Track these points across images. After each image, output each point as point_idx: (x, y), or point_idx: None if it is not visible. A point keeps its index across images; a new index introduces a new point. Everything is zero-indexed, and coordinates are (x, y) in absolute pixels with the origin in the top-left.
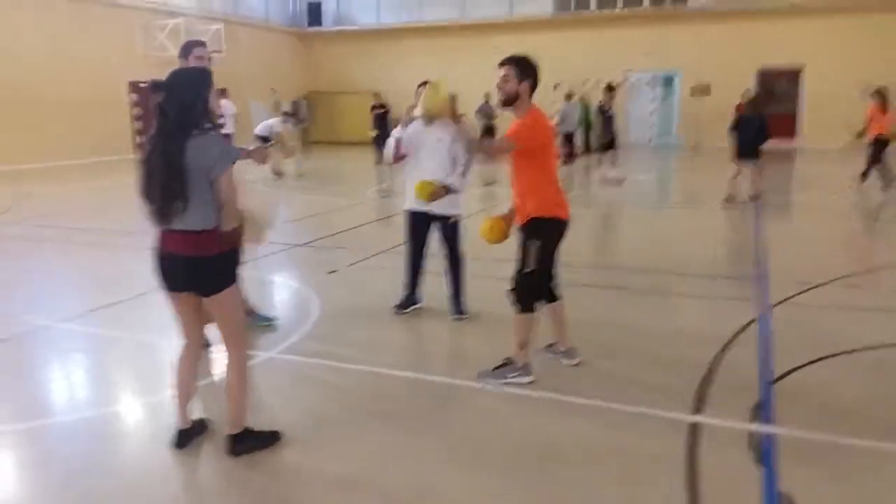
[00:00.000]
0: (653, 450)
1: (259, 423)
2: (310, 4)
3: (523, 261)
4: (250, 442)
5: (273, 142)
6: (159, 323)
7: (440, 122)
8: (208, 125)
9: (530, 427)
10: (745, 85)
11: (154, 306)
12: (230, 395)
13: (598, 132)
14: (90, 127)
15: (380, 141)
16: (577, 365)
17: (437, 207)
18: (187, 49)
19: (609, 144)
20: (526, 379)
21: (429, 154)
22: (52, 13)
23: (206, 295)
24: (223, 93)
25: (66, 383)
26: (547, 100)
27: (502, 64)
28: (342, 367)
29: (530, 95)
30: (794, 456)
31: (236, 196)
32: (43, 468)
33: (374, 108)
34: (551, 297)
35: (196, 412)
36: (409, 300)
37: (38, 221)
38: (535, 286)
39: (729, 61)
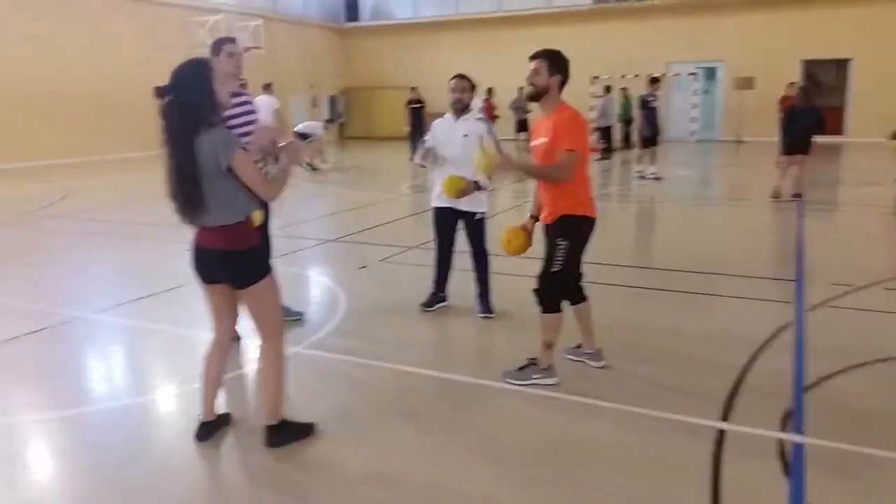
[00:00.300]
0: (677, 456)
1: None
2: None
3: (550, 259)
4: (286, 433)
5: (311, 139)
6: (192, 315)
7: (470, 119)
8: (215, 119)
9: (552, 428)
10: (789, 77)
11: (187, 299)
12: (266, 386)
13: (639, 126)
14: (130, 122)
15: (415, 137)
16: (602, 367)
17: (463, 204)
18: (218, 46)
19: (651, 140)
20: (550, 380)
21: (456, 150)
22: (92, 11)
23: (241, 287)
24: (267, 87)
25: (100, 374)
26: (585, 93)
27: (533, 57)
28: (368, 364)
29: (560, 90)
30: (825, 467)
31: (259, 175)
32: (76, 456)
33: (409, 102)
34: (578, 298)
35: (221, 406)
36: (436, 298)
37: (78, 215)
38: (561, 286)
39: (773, 52)
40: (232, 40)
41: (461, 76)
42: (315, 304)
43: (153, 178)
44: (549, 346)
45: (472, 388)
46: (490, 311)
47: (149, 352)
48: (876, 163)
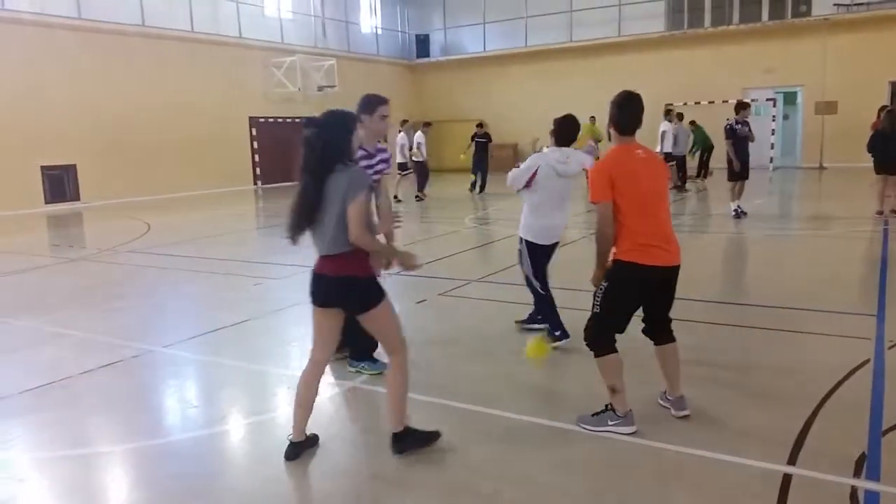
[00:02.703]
0: (739, 503)
1: (337, 452)
2: (418, 37)
3: (593, 301)
4: (411, 440)
5: (410, 171)
6: (256, 350)
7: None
8: (349, 162)
9: (603, 471)
10: (874, 100)
11: (252, 333)
12: (392, 396)
13: (729, 157)
14: (215, 160)
15: (477, 170)
16: (683, 417)
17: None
18: (372, 106)
19: (741, 173)
20: (626, 429)
21: (561, 196)
22: (176, 55)
23: (358, 313)
24: (403, 124)
25: (168, 406)
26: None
27: None
28: (422, 400)
29: (617, 132)
30: None
31: (361, 221)
32: (146, 486)
33: (475, 136)
34: (660, 339)
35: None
36: (564, 335)
37: (156, 250)
38: (600, 329)
39: (856, 75)
40: (385, 101)
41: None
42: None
43: (228, 214)
44: (612, 390)
45: (531, 428)
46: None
47: (213, 385)
48: None
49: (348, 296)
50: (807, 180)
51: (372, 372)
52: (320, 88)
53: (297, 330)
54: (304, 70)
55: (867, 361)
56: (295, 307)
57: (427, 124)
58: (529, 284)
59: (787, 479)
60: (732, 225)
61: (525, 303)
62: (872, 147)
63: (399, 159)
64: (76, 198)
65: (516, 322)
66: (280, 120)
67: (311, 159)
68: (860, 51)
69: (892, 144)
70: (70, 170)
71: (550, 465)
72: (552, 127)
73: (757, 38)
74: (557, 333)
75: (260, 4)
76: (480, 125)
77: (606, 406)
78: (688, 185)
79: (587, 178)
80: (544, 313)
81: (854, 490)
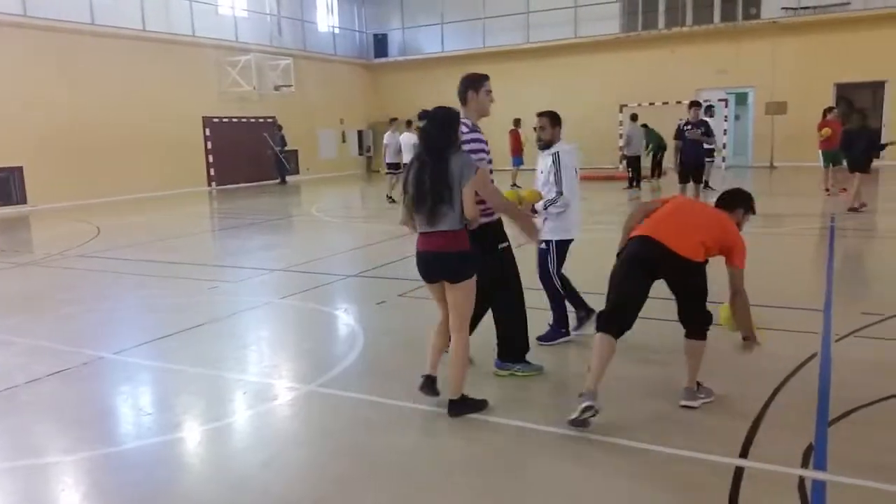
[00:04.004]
0: (694, 495)
1: (297, 456)
2: (376, 36)
3: None
4: (464, 406)
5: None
6: (211, 355)
7: (545, 155)
8: (458, 147)
9: (547, 468)
10: (821, 102)
11: (208, 338)
12: (453, 366)
13: (682, 156)
14: (167, 161)
15: (399, 169)
16: (692, 408)
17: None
18: (478, 83)
19: (685, 175)
20: (581, 403)
21: (538, 183)
22: (127, 54)
23: (453, 282)
24: (409, 125)
25: (117, 414)
26: (613, 121)
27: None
28: (381, 402)
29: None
30: None
31: (492, 186)
32: (98, 497)
33: None
34: (689, 332)
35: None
36: (557, 333)
37: (106, 254)
38: (604, 310)
39: (805, 77)
40: (488, 77)
41: (541, 113)
42: (331, 340)
43: (181, 216)
44: (588, 369)
45: (484, 426)
46: (556, 338)
47: (166, 392)
48: None
49: (451, 268)
50: (758, 179)
51: (527, 373)
52: (277, 88)
53: (254, 334)
54: (259, 69)
55: (815, 355)
56: (251, 311)
57: (409, 123)
58: (550, 289)
59: (738, 471)
60: None
61: None
62: (843, 146)
63: (388, 159)
64: (23, 201)
65: (538, 339)
66: (235, 120)
67: (433, 146)
68: (807, 53)
69: (858, 143)
70: (16, 172)
71: (512, 464)
72: (548, 120)
73: (709, 39)
74: (584, 314)
75: (213, 2)
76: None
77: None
78: (642, 185)
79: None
80: (572, 303)
81: (802, 480)
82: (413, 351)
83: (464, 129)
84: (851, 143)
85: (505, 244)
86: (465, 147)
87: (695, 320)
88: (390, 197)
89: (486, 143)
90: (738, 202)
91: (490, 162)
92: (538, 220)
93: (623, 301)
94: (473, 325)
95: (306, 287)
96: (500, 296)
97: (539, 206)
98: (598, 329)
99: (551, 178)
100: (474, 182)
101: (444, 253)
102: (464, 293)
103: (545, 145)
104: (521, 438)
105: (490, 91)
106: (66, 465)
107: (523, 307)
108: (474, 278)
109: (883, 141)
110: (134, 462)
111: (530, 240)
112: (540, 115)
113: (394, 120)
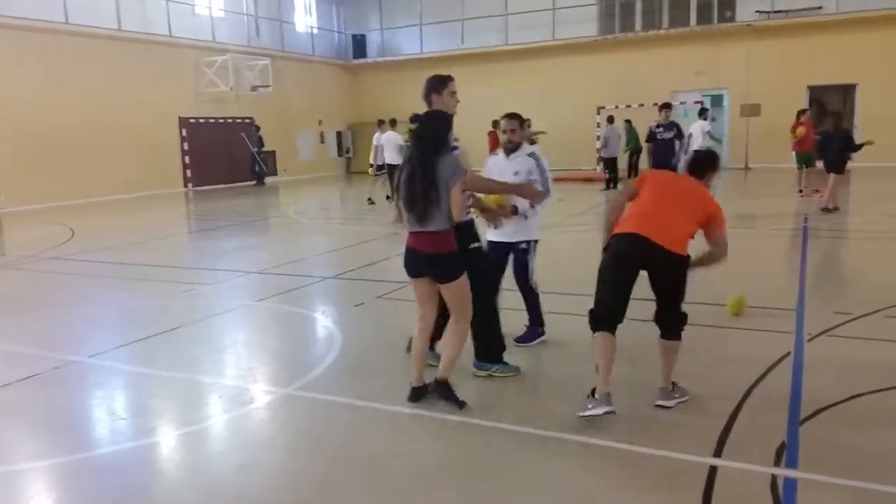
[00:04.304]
0: (667, 496)
1: (274, 460)
2: (354, 37)
3: None
4: (447, 391)
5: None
6: (186, 358)
7: (521, 156)
8: (450, 149)
9: (537, 467)
10: (794, 104)
11: (183, 341)
12: (447, 350)
13: (653, 160)
14: (143, 162)
15: (384, 171)
16: (667, 407)
17: (508, 235)
18: (441, 84)
19: None
20: (600, 410)
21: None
22: (102, 53)
23: (443, 283)
24: (393, 125)
25: (91, 419)
26: (591, 123)
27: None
28: (359, 405)
29: None
30: (818, 503)
31: (461, 201)
32: (76, 501)
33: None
34: (664, 332)
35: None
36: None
37: (81, 257)
38: (596, 308)
39: (778, 79)
40: (452, 79)
41: (510, 115)
42: (309, 342)
43: (157, 218)
44: (598, 370)
45: (474, 429)
46: (533, 338)
47: (141, 396)
48: (884, 186)
49: (439, 268)
50: (733, 180)
51: (505, 374)
52: (254, 88)
53: (230, 337)
54: (236, 69)
55: (788, 354)
56: (227, 313)
57: (394, 123)
58: (529, 289)
59: (713, 470)
60: None
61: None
62: (819, 148)
63: (380, 161)
64: None
65: (515, 341)
66: (212, 120)
67: (424, 149)
68: (781, 56)
69: (833, 144)
70: None
71: (490, 465)
72: (518, 123)
73: (685, 42)
74: (542, 328)
75: (190, 2)
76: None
77: (592, 389)
78: (619, 186)
79: None
80: (537, 311)
81: (774, 478)
82: (391, 353)
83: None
84: (827, 145)
85: (476, 245)
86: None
87: (672, 320)
88: (371, 199)
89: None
90: (706, 167)
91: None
92: (510, 222)
93: (614, 298)
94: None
95: (283, 289)
96: (482, 298)
97: (524, 207)
98: (596, 328)
99: (536, 179)
100: (463, 183)
101: (432, 254)
102: (457, 290)
103: (514, 147)
104: (498, 439)
105: (454, 92)
106: (38, 472)
107: (496, 308)
108: (465, 275)
109: (859, 141)
110: (107, 467)
111: (535, 201)
112: (510, 117)
113: (382, 122)
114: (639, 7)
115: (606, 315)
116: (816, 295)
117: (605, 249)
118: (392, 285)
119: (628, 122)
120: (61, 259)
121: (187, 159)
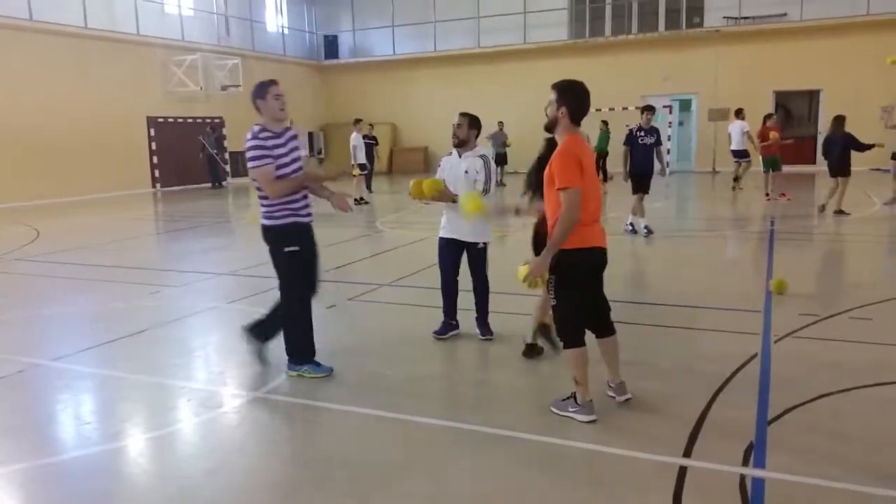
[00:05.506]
0: (638, 496)
1: (243, 465)
2: (326, 38)
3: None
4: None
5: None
6: (152, 361)
7: (472, 155)
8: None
9: (504, 472)
10: (761, 108)
11: (148, 344)
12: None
13: (632, 164)
14: (110, 162)
15: (367, 170)
16: (626, 401)
17: (467, 234)
18: (263, 89)
19: (636, 186)
20: (585, 417)
21: (460, 186)
22: (69, 52)
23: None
24: (356, 123)
25: (60, 423)
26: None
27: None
28: (328, 408)
29: (571, 121)
30: (786, 502)
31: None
32: None
33: (365, 138)
34: (601, 331)
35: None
36: (448, 326)
37: (46, 258)
38: (564, 320)
39: (745, 84)
40: (275, 83)
41: (462, 113)
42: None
43: (124, 218)
44: (576, 382)
45: (446, 431)
46: (490, 333)
47: (107, 400)
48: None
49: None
50: (701, 184)
51: (315, 375)
52: (224, 88)
53: (199, 339)
54: (206, 69)
55: (755, 355)
56: (195, 315)
57: (358, 121)
58: (486, 285)
59: (682, 471)
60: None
61: (435, 305)
62: (824, 154)
63: (359, 160)
64: None
65: (434, 334)
66: (181, 120)
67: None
68: (748, 61)
69: (834, 148)
70: None
71: (458, 465)
72: (466, 120)
73: (654, 47)
74: (454, 323)
75: (159, 0)
76: (370, 127)
77: (572, 393)
78: None
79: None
80: (451, 308)
81: (742, 478)
82: (361, 356)
83: (248, 135)
84: (830, 150)
85: (293, 248)
86: (248, 153)
87: (607, 315)
88: (359, 199)
89: (272, 147)
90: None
91: (285, 165)
92: (467, 222)
93: (589, 314)
94: (276, 329)
95: (255, 291)
96: (285, 298)
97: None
98: (576, 345)
99: (481, 178)
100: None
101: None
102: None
103: (460, 144)
104: (462, 439)
105: (279, 96)
106: (0, 478)
107: (309, 310)
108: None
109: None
110: (72, 473)
111: (341, 207)
112: (462, 114)
113: (358, 121)
114: (608, 12)
115: (583, 331)
116: (782, 297)
117: (572, 264)
118: (363, 287)
119: (604, 122)
120: (24, 260)
121: (155, 159)
